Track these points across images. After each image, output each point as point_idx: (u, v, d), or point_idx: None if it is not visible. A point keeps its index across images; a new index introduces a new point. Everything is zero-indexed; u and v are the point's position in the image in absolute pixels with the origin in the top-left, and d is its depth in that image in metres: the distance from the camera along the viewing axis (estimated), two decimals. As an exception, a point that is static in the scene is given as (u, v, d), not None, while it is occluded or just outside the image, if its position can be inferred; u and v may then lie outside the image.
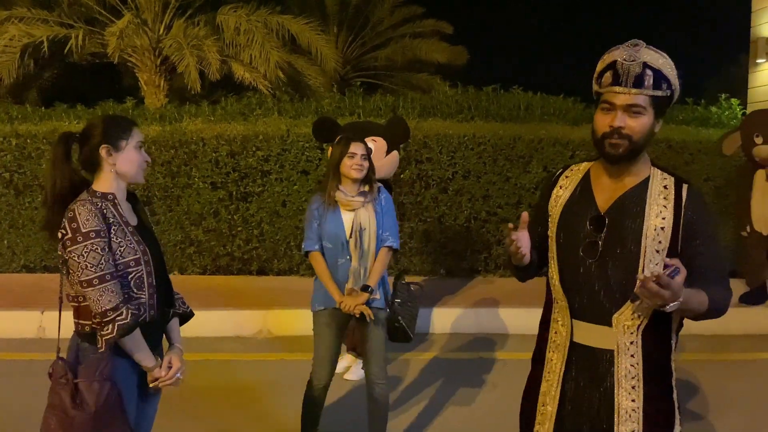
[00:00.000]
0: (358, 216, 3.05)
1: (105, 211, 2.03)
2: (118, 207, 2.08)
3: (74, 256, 1.95)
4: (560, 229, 1.84)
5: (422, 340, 5.09)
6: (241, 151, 6.20)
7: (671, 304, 1.56)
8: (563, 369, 1.82)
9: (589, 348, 1.79)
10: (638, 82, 1.66)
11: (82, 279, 1.94)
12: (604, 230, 1.75)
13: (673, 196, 1.71)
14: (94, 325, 1.99)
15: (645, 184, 1.75)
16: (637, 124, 1.69)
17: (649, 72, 1.66)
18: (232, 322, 5.18)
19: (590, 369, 1.80)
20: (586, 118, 7.14)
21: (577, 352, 1.81)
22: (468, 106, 7.23)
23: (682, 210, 1.69)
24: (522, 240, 1.78)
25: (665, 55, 1.70)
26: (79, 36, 9.55)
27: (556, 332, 1.87)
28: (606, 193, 1.79)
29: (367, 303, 3.02)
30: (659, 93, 1.68)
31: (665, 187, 1.74)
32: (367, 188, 3.10)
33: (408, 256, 6.45)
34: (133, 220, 2.15)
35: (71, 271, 1.98)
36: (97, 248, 1.95)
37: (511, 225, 1.80)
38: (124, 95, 7.96)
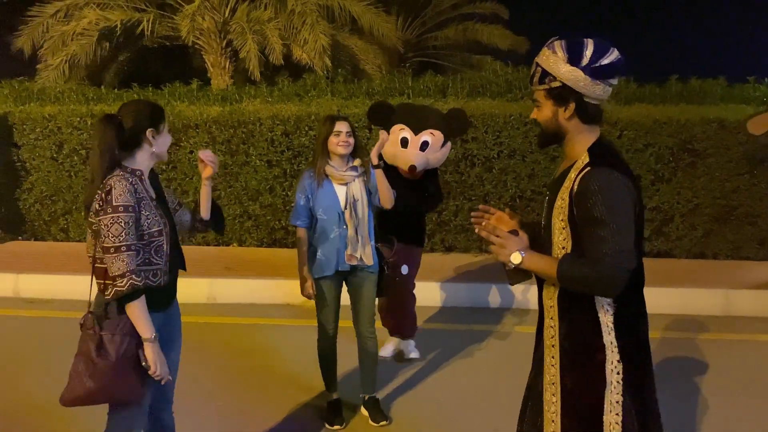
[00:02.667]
0: (350, 189, 3.34)
1: (136, 186, 2.28)
2: (144, 182, 2.35)
3: (102, 225, 2.20)
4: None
5: (484, 313, 5.33)
6: (295, 131, 6.52)
7: (512, 257, 1.87)
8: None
9: (541, 304, 2.04)
10: (531, 80, 1.93)
11: (104, 245, 2.21)
12: (545, 205, 2.00)
13: (574, 177, 1.85)
14: (104, 284, 2.25)
15: (572, 166, 1.90)
16: (539, 115, 1.94)
17: (538, 69, 1.88)
18: (283, 291, 5.53)
19: (540, 325, 2.04)
20: (639, 96, 7.07)
21: (539, 308, 2.07)
22: (518, 86, 7.28)
23: (574, 193, 1.82)
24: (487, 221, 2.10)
25: (561, 48, 1.84)
26: (150, 19, 10.08)
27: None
28: (557, 173, 2.01)
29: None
30: (544, 86, 1.88)
31: (576, 170, 1.86)
32: (357, 162, 3.37)
33: (453, 233, 6.64)
34: (154, 194, 2.40)
35: (99, 237, 2.23)
36: (121, 221, 2.20)
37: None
38: (195, 77, 8.39)
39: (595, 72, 1.81)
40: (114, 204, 2.20)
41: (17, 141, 6.98)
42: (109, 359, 2.23)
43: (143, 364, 2.27)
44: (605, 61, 1.82)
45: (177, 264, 2.48)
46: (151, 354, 2.27)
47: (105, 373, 2.23)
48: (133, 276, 2.21)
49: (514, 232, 1.95)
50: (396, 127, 4.11)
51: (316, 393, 3.78)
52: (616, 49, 1.84)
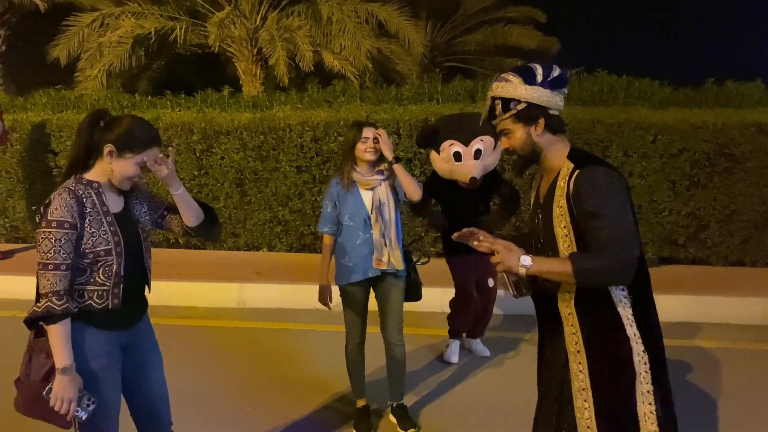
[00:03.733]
0: (377, 193, 3.33)
1: (85, 200, 2.11)
2: (102, 195, 2.17)
3: (36, 238, 2.08)
4: (529, 222, 2.18)
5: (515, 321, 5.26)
6: (324, 137, 6.55)
7: (519, 265, 1.88)
8: (538, 335, 2.17)
9: (553, 314, 2.05)
10: (492, 116, 2.02)
11: (37, 260, 2.08)
12: (539, 222, 2.06)
13: (565, 184, 1.93)
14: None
15: (557, 177, 1.99)
16: (513, 141, 2.03)
17: (497, 102, 1.99)
18: (313, 296, 5.50)
19: (553, 335, 2.06)
20: (674, 101, 6.92)
21: (543, 319, 2.11)
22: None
23: (570, 196, 1.90)
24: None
25: (513, 75, 1.97)
26: (183, 27, 10.25)
27: None
28: (543, 189, 2.09)
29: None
30: (512, 112, 1.99)
31: (566, 176, 1.95)
32: (383, 167, 3.36)
33: (483, 238, 6.57)
34: (117, 207, 2.22)
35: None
36: (52, 237, 2.04)
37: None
38: (227, 84, 8.50)
39: (553, 84, 1.96)
40: (48, 218, 2.06)
41: (54, 148, 7.15)
42: (29, 380, 2.11)
43: (43, 393, 2.07)
44: (555, 73, 1.98)
45: (141, 281, 2.30)
46: (57, 387, 2.05)
47: (26, 393, 2.13)
48: (54, 299, 2.04)
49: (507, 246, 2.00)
50: (445, 144, 4.15)
51: (345, 399, 3.78)
52: (554, 65, 2.00)
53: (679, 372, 4.23)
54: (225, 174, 6.75)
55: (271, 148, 6.68)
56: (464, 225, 4.02)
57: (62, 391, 2.06)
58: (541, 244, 2.06)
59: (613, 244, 1.81)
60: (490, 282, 4.29)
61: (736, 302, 5.35)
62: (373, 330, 3.52)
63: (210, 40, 9.73)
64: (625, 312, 1.90)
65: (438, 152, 4.19)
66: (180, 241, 6.87)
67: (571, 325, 1.97)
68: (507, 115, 1.99)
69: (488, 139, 4.12)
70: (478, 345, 4.57)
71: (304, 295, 5.59)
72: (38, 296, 2.07)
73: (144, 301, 2.39)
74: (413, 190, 3.37)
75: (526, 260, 1.89)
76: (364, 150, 3.30)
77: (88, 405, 2.11)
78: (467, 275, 4.28)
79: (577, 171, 1.92)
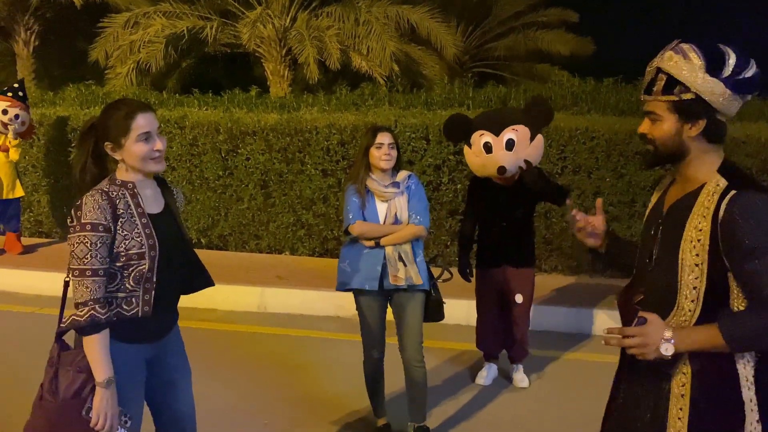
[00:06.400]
0: (392, 205, 3.12)
1: (118, 201, 1.99)
2: (137, 196, 2.04)
3: (70, 244, 1.95)
4: (642, 231, 1.85)
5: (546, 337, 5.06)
6: (351, 140, 6.41)
7: (662, 350, 1.55)
8: (617, 370, 1.84)
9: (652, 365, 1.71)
10: (649, 89, 1.65)
11: (70, 267, 1.95)
12: (659, 236, 1.71)
13: (714, 205, 1.58)
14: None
15: (699, 191, 1.65)
16: (656, 131, 1.66)
17: (662, 76, 1.61)
18: (334, 303, 5.40)
19: (645, 377, 1.72)
20: (715, 113, 6.66)
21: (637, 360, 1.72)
22: (585, 98, 6.98)
23: (719, 220, 1.56)
24: (584, 222, 1.91)
25: (696, 53, 1.57)
26: (214, 27, 10.25)
27: None
28: (671, 198, 1.75)
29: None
30: (671, 98, 1.60)
31: (714, 194, 1.61)
32: (399, 178, 3.15)
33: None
34: (157, 207, 2.11)
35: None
36: (87, 241, 1.91)
37: (569, 202, 1.96)
38: (254, 84, 8.46)
39: (738, 85, 1.58)
40: (82, 221, 1.93)
41: (81, 143, 7.13)
42: (56, 398, 1.94)
43: (83, 413, 1.92)
44: (748, 73, 1.59)
45: (177, 288, 2.18)
46: (98, 402, 1.91)
47: (49, 414, 1.95)
48: (96, 306, 1.91)
49: (641, 321, 1.60)
50: (476, 135, 3.86)
51: (365, 415, 3.62)
52: (753, 60, 1.61)
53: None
54: (250, 175, 6.65)
55: (297, 150, 6.57)
56: (497, 231, 3.85)
57: (105, 406, 1.92)
58: (654, 262, 1.72)
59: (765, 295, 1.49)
60: (518, 298, 3.98)
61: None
62: (395, 342, 3.34)
63: (243, 39, 9.74)
64: (745, 372, 1.59)
65: (470, 146, 3.92)
66: (202, 241, 6.79)
67: (684, 363, 1.64)
68: (665, 98, 1.62)
69: (522, 129, 3.78)
70: (517, 373, 4.14)
71: (325, 303, 5.46)
72: (75, 304, 1.92)
73: (175, 311, 2.23)
74: (414, 236, 3.16)
75: (669, 350, 1.55)
76: (379, 157, 3.08)
77: (126, 422, 1.99)
78: (488, 288, 4.02)
79: (733, 192, 1.56)
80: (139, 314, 2.01)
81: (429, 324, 3.32)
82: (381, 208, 3.14)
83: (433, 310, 3.27)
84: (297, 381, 4.13)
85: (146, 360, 2.12)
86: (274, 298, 5.61)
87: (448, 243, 6.30)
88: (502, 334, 4.09)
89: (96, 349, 1.93)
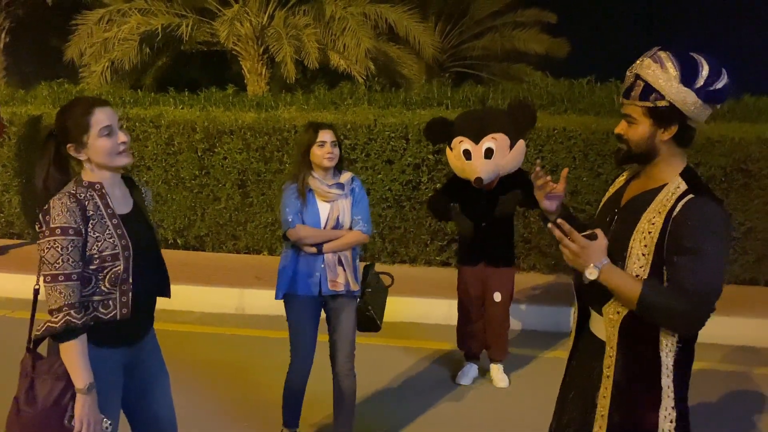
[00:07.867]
0: (336, 207, 3.00)
1: (86, 203, 1.95)
2: (106, 197, 2.00)
3: (40, 249, 1.90)
4: (597, 217, 1.99)
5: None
6: (330, 139, 6.37)
7: (587, 270, 1.69)
8: (568, 356, 2.02)
9: (594, 337, 1.91)
10: (627, 93, 1.76)
11: (42, 273, 1.91)
12: (613, 224, 1.85)
13: (671, 204, 1.71)
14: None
15: (659, 189, 1.78)
16: (632, 132, 1.78)
17: (639, 83, 1.72)
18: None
19: (590, 359, 1.90)
20: (689, 113, 6.75)
21: (584, 340, 1.96)
22: (561, 98, 7.04)
23: (671, 220, 1.69)
24: (545, 182, 2.01)
25: (673, 63, 1.68)
26: (189, 25, 10.13)
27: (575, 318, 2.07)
28: (631, 192, 1.87)
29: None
30: (647, 104, 1.72)
31: (673, 195, 1.74)
32: (343, 179, 3.04)
33: (490, 249, 6.40)
34: (126, 208, 2.08)
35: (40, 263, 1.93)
36: (58, 246, 1.87)
37: (538, 162, 2.12)
38: (231, 82, 8.37)
39: (709, 96, 1.70)
40: (51, 226, 1.88)
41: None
42: (35, 408, 1.88)
43: (65, 421, 1.88)
44: (719, 84, 1.70)
45: (151, 290, 2.14)
46: (80, 408, 1.87)
47: (31, 423, 1.89)
48: (72, 311, 1.86)
49: (592, 236, 1.75)
50: (455, 141, 3.88)
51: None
52: (725, 70, 1.72)
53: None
54: (227, 174, 6.58)
55: (275, 149, 6.52)
56: (477, 231, 3.87)
57: (88, 413, 1.88)
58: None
59: (699, 292, 1.63)
60: (497, 296, 4.00)
61: (746, 323, 5.17)
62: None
63: (221, 37, 9.62)
64: (667, 360, 1.74)
65: (451, 149, 3.94)
66: (179, 241, 6.71)
67: (612, 347, 1.81)
68: (641, 103, 1.74)
69: (502, 137, 3.80)
70: (496, 373, 4.16)
71: (304, 303, 5.42)
72: (50, 311, 1.88)
73: (152, 313, 2.19)
74: (357, 243, 3.09)
75: (593, 274, 1.71)
76: (321, 156, 2.94)
77: (107, 428, 1.95)
78: (467, 286, 4.05)
79: (691, 196, 1.70)
80: (117, 317, 1.98)
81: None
82: (323, 208, 3.01)
83: (368, 321, 3.17)
84: (277, 383, 4.06)
85: (123, 365, 2.08)
86: (252, 299, 5.56)
87: (428, 242, 6.31)
88: (482, 334, 4.10)
89: (74, 355, 1.89)
